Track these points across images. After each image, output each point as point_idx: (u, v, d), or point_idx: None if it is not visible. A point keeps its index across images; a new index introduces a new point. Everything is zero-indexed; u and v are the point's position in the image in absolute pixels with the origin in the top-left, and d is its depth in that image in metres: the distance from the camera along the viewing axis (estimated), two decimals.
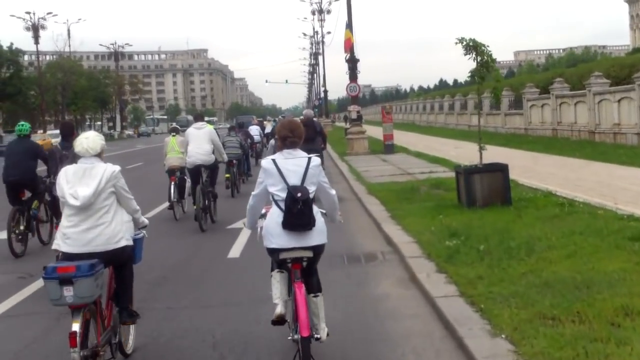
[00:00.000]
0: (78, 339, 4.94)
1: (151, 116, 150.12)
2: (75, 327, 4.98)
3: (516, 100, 41.11)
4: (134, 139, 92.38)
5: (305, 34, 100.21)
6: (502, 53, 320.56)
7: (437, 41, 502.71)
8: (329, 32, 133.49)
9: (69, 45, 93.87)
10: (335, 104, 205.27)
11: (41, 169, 11.67)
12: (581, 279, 6.99)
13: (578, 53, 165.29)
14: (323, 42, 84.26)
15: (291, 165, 5.43)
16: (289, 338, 5.61)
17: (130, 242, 5.66)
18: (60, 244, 5.48)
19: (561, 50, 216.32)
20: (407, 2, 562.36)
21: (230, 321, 7.19)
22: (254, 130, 29.92)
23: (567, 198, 12.63)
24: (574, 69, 39.97)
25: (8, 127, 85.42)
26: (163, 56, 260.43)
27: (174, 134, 15.54)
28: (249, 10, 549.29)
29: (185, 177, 14.63)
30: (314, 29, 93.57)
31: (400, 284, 8.21)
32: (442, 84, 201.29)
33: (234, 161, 18.68)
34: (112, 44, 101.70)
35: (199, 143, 13.30)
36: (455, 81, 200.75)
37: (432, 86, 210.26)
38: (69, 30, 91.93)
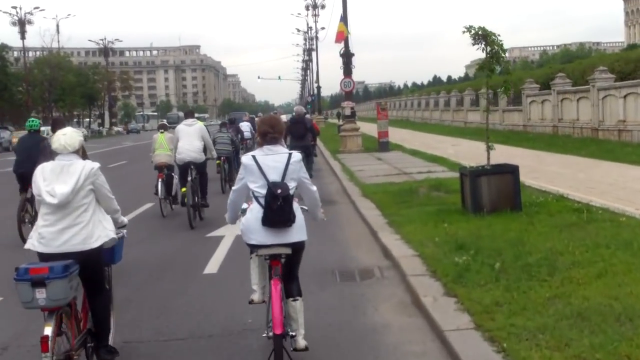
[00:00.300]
0: (50, 343, 4.71)
1: (141, 112, 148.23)
2: (48, 330, 4.76)
3: (515, 96, 39.93)
4: (122, 136, 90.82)
5: (298, 30, 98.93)
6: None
7: (430, 38, 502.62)
8: (323, 28, 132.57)
9: (58, 41, 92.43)
10: (328, 101, 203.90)
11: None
12: (621, 309, 5.78)
13: (573, 50, 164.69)
14: (317, 38, 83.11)
15: (271, 161, 5.39)
16: (264, 335, 5.51)
17: (111, 236, 5.45)
18: (35, 244, 5.24)
19: (555, 47, 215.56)
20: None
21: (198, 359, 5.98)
22: (245, 126, 29.01)
23: (582, 203, 11.44)
24: (575, 64, 38.84)
25: None
26: (155, 52, 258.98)
27: (162, 130, 15.37)
28: (242, 6, 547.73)
29: (173, 174, 14.54)
30: (307, 24, 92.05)
31: (401, 309, 6.98)
32: (436, 81, 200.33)
33: (223, 157, 18.50)
34: (102, 40, 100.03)
35: (190, 140, 13.21)
36: (449, 77, 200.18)
37: (425, 83, 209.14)
38: (57, 26, 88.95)
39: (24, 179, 11.65)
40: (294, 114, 19.49)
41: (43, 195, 5.18)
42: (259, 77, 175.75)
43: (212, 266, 9.41)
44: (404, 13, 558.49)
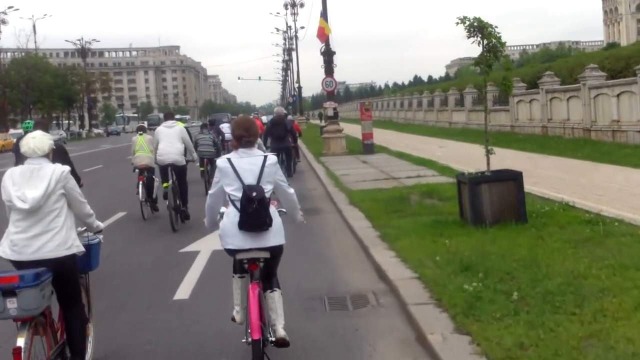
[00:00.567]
0: (24, 355, 4.54)
1: (121, 114, 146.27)
2: (20, 342, 4.59)
3: (501, 96, 39.03)
4: (102, 138, 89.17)
5: (278, 29, 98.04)
6: (477, 49, 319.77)
7: (410, 38, 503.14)
8: (302, 27, 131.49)
9: (35, 42, 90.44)
10: (309, 101, 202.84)
11: None
12: None
13: (552, 49, 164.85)
14: (296, 37, 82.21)
15: (246, 164, 5.33)
16: (243, 341, 5.41)
17: (81, 249, 5.25)
18: (7, 251, 5.04)
19: (535, 46, 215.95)
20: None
21: None
22: (226, 127, 28.00)
23: (592, 212, 10.45)
24: (562, 62, 38.02)
25: None
26: (134, 53, 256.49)
27: (141, 132, 15.32)
28: (221, 6, 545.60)
29: (154, 177, 14.49)
30: (287, 23, 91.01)
31: (404, 349, 5.87)
32: (417, 80, 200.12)
33: (205, 159, 18.43)
34: (79, 40, 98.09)
35: (170, 141, 13.05)
36: (430, 77, 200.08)
37: (406, 83, 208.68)
38: (34, 26, 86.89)
39: None
40: (274, 115, 19.05)
41: (13, 201, 5.01)
42: (239, 78, 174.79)
43: (184, 290, 8.26)
44: (384, 13, 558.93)
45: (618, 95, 23.79)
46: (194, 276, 8.90)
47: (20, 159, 9.63)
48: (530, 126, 32.71)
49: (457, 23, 10.47)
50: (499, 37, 10.35)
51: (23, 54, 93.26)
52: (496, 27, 10.43)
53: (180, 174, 13.21)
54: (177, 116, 70.25)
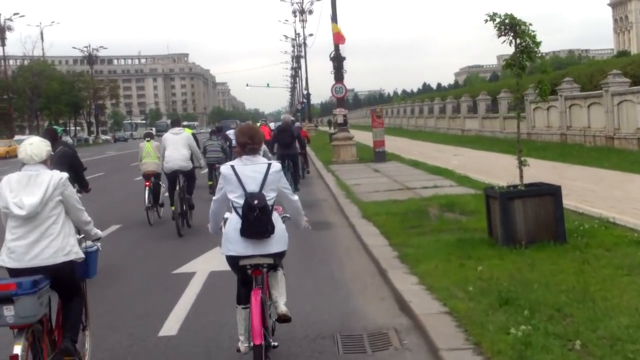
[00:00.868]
0: None
1: (129, 121, 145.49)
2: (17, 350, 4.54)
3: (516, 102, 37.85)
4: (109, 145, 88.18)
5: (286, 37, 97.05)
6: (486, 57, 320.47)
7: (419, 45, 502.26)
8: (311, 34, 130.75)
9: (42, 49, 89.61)
10: (318, 108, 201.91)
11: None
12: None
13: (562, 57, 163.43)
14: (305, 44, 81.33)
15: (250, 171, 5.32)
16: (244, 345, 5.36)
17: (80, 255, 5.23)
18: (4, 259, 5.00)
19: (544, 54, 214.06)
20: (389, 6, 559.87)
21: None
22: (233, 134, 27.00)
23: (637, 231, 9.24)
24: (582, 68, 36.72)
25: None
26: (143, 60, 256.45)
27: (149, 139, 15.37)
28: (229, 14, 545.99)
29: (160, 183, 14.58)
30: (295, 31, 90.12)
31: None
32: (426, 88, 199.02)
33: (217, 165, 17.80)
34: (86, 47, 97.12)
35: (177, 148, 13.11)
36: (439, 85, 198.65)
37: (415, 90, 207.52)
38: (42, 33, 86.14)
39: None
40: (281, 122, 19.04)
41: (10, 207, 4.96)
42: (247, 85, 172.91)
43: (172, 323, 7.05)
44: (392, 21, 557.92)
45: None
46: (185, 304, 7.71)
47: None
48: (548, 134, 31.48)
49: (486, 20, 9.39)
50: (534, 36, 9.20)
51: (27, 61, 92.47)
52: (530, 24, 9.27)
53: (189, 175, 13.37)
54: (185, 123, 69.43)
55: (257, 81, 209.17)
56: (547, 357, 4.89)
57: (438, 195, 14.60)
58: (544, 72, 9.79)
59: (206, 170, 19.37)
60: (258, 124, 21.61)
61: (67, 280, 5.17)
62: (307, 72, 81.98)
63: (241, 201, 5.21)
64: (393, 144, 34.00)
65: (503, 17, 9.27)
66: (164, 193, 14.33)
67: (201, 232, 11.18)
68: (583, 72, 32.93)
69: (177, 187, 13.00)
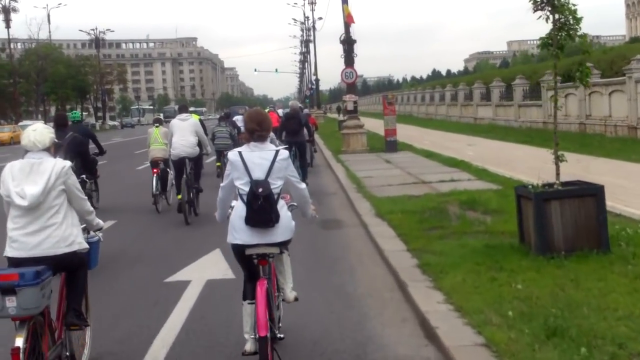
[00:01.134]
0: (22, 355, 4.41)
1: (136, 106, 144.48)
2: (19, 342, 4.46)
3: (531, 90, 36.63)
4: (116, 131, 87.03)
5: (295, 20, 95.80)
6: (495, 43, 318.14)
7: (428, 31, 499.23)
8: (320, 18, 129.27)
9: (49, 31, 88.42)
10: (327, 95, 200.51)
11: None
12: None
13: (574, 43, 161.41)
14: (314, 29, 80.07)
15: (257, 158, 5.20)
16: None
17: (84, 246, 5.17)
18: (6, 249, 4.92)
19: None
20: None
21: None
22: (240, 120, 26.10)
23: None
24: (601, 53, 35.41)
25: None
26: (152, 45, 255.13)
27: (157, 125, 15.38)
28: None
29: (168, 169, 14.32)
30: (304, 14, 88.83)
31: None
32: (436, 74, 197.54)
33: (225, 152, 17.24)
34: (93, 30, 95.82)
35: (184, 134, 12.98)
36: (449, 71, 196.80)
37: (424, 77, 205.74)
38: (48, 16, 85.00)
39: None
40: (289, 108, 18.47)
41: (12, 197, 4.90)
42: (255, 70, 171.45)
43: (158, 349, 6.02)
44: (401, 6, 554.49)
45: None
46: (176, 322, 6.66)
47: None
48: (566, 123, 30.27)
49: None
50: (575, 11, 8.12)
51: (33, 44, 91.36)
52: None
53: (197, 160, 13.26)
54: (192, 109, 68.50)
55: (266, 66, 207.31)
56: None
57: (457, 191, 13.57)
58: (584, 53, 8.74)
59: (213, 158, 19.78)
60: (266, 110, 20.79)
61: (72, 271, 5.16)
62: (316, 57, 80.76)
63: (247, 188, 5.10)
64: (404, 132, 32.90)
65: None
66: (172, 180, 14.04)
67: (209, 222, 10.60)
68: (602, 59, 31.70)
69: (184, 175, 12.83)
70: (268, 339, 4.83)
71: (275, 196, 5.15)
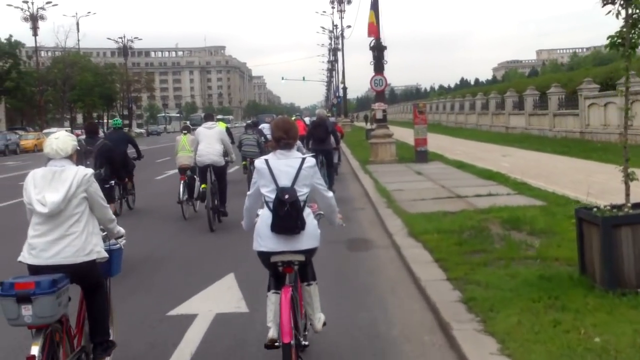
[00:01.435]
0: None
1: (163, 114, 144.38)
2: (35, 350, 4.42)
3: (567, 99, 35.19)
4: (142, 138, 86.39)
5: (324, 29, 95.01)
6: (525, 52, 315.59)
7: (456, 40, 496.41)
8: (348, 26, 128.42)
9: (78, 40, 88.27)
10: (354, 103, 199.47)
11: None
12: None
13: (603, 52, 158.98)
14: (342, 36, 79.22)
15: (283, 165, 5.23)
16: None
17: (103, 255, 5.07)
18: (25, 255, 4.89)
19: (585, 49, 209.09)
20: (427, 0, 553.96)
21: None
22: (267, 128, 25.37)
23: None
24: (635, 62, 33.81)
25: (14, 124, 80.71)
26: (180, 53, 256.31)
27: (185, 132, 15.84)
28: (266, 6, 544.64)
29: (195, 177, 14.38)
30: (332, 22, 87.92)
31: None
32: (464, 83, 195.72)
33: (249, 159, 18.19)
34: (121, 38, 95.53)
35: (210, 142, 13.17)
36: (477, 80, 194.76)
37: (452, 85, 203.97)
38: (77, 24, 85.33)
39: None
40: (316, 116, 18.23)
41: (33, 204, 4.86)
42: (283, 79, 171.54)
43: None
44: (429, 15, 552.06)
45: None
46: None
47: (81, 158, 7.57)
48: (605, 133, 28.91)
49: None
50: None
51: (59, 53, 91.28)
52: None
53: (220, 173, 13.34)
54: (219, 116, 67.76)
55: (293, 75, 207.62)
56: None
57: (496, 207, 12.35)
58: None
59: (237, 167, 20.35)
60: (293, 118, 20.03)
61: (88, 280, 5.05)
62: (344, 64, 79.84)
63: (273, 196, 5.10)
64: (434, 142, 31.55)
65: None
66: (200, 187, 13.97)
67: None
68: None
69: (209, 182, 13.04)
70: (292, 346, 4.78)
71: (302, 203, 5.11)
